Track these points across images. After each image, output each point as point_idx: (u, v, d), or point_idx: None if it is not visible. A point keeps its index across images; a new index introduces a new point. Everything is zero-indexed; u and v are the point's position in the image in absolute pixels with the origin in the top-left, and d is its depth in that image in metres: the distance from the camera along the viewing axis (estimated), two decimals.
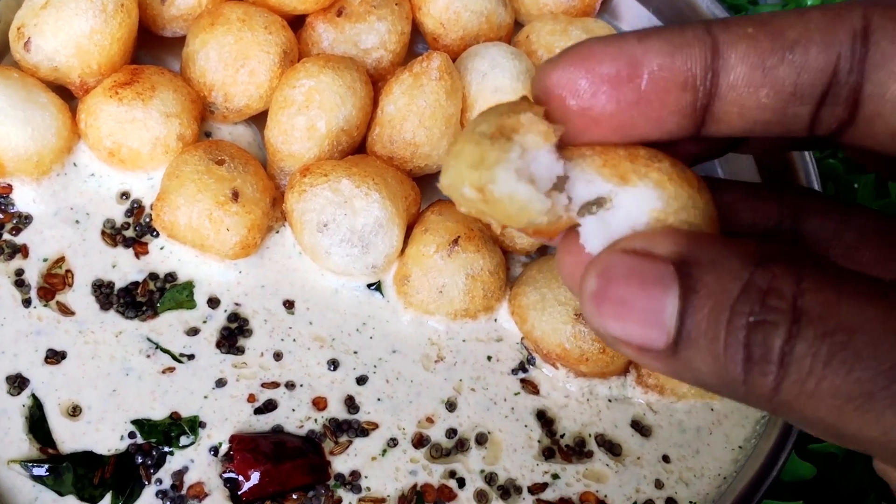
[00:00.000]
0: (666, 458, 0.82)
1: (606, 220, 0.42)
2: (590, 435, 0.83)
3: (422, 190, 0.88)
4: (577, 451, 0.82)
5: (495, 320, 0.86)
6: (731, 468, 0.82)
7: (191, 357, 0.81)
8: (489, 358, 0.85)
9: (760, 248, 0.38)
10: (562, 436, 0.82)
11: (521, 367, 0.85)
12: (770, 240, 0.49)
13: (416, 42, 0.99)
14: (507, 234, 0.87)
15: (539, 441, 0.82)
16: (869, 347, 0.35)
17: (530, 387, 0.84)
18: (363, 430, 0.80)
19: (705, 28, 0.42)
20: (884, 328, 0.35)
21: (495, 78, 0.88)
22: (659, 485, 0.81)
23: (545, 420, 0.83)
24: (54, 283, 0.82)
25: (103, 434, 0.77)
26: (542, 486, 0.80)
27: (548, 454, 0.81)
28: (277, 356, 0.82)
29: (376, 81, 0.91)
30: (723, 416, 0.84)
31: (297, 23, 0.93)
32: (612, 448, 0.82)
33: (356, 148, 0.89)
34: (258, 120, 0.92)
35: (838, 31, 0.41)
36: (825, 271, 0.37)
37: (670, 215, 0.41)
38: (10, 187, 0.84)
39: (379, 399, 0.82)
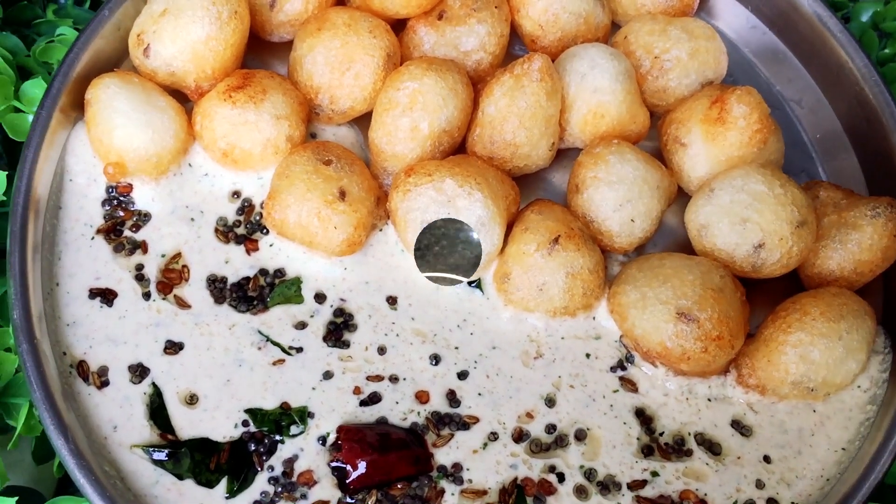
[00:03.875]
0: (767, 459, 0.82)
1: None
2: (689, 433, 0.83)
3: (521, 189, 0.90)
4: (676, 450, 0.82)
5: (594, 318, 0.87)
6: (835, 470, 0.82)
7: (299, 350, 0.85)
8: (588, 355, 0.86)
9: None
10: (661, 434, 0.83)
11: (620, 365, 0.86)
12: None
13: (514, 44, 1.00)
14: (605, 231, 0.87)
15: (638, 438, 0.83)
16: None
17: (629, 384, 0.85)
18: (464, 424, 0.82)
19: None
20: None
21: (594, 78, 0.89)
22: (760, 485, 0.81)
23: (644, 418, 0.83)
24: (172, 277, 0.87)
25: (219, 422, 0.81)
26: (642, 483, 0.80)
27: (647, 452, 0.82)
28: (381, 350, 0.85)
29: (476, 83, 0.93)
30: (825, 418, 0.84)
31: (398, 26, 0.96)
32: (712, 447, 0.82)
33: (456, 148, 0.91)
34: (360, 122, 0.95)
35: None
36: None
37: None
38: (130, 187, 0.88)
39: (479, 394, 0.84)
